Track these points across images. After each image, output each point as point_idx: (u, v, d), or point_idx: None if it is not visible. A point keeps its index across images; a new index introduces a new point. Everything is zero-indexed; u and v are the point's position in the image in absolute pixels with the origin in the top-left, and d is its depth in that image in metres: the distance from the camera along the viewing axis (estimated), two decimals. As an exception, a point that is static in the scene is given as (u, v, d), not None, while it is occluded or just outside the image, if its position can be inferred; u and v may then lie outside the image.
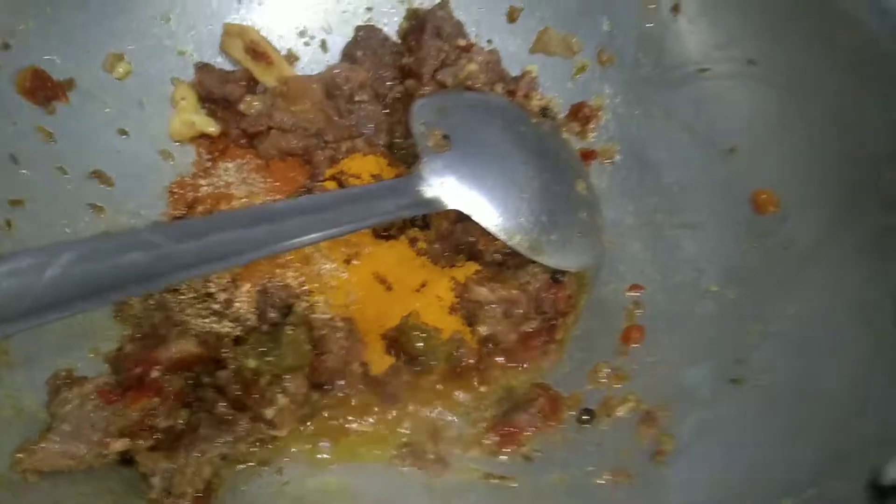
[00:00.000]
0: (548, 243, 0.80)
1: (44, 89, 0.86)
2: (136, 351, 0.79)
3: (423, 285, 0.87)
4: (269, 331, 0.81)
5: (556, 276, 0.88)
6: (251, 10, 0.98)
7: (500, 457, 0.81)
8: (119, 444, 0.73)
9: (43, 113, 0.85)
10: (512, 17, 0.99)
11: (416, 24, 0.98)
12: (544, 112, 0.95)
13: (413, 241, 0.89)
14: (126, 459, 0.75)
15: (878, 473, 0.58)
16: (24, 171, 0.82)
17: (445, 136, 0.79)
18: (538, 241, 0.79)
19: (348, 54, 0.98)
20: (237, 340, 0.81)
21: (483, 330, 0.86)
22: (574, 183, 0.87)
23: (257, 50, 0.95)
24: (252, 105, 0.93)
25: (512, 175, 0.80)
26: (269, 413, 0.76)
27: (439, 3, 0.97)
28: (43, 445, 0.72)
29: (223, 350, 0.79)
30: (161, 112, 0.93)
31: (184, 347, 0.78)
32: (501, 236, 0.78)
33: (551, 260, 0.82)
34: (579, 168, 0.92)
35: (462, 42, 0.97)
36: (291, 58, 0.99)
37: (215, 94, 0.94)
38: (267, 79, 0.95)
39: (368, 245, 0.88)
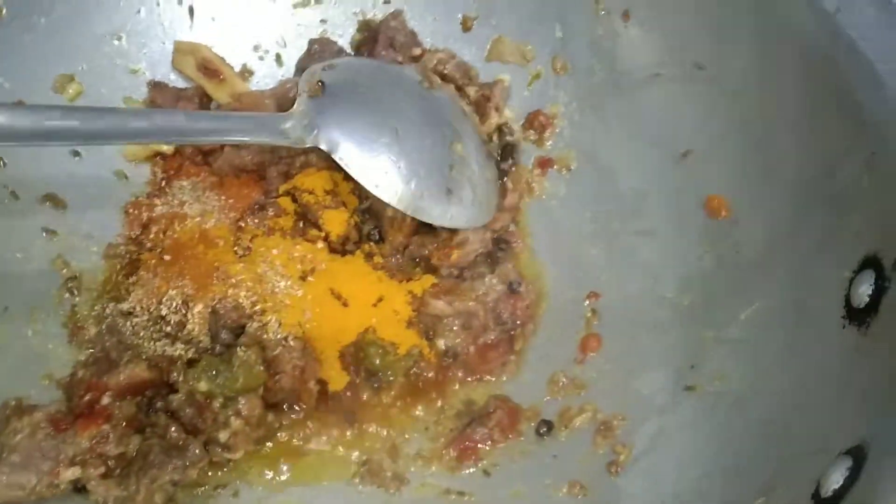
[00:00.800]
0: (406, 192, 0.83)
1: (-8, 113, 0.84)
2: (88, 377, 0.78)
3: (379, 300, 0.86)
4: (221, 352, 0.80)
5: (513, 286, 0.88)
6: (204, 26, 0.96)
7: (460, 472, 0.80)
8: (70, 473, 0.72)
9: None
10: (466, 25, 0.99)
11: (370, 35, 0.98)
12: (500, 130, 0.95)
13: (369, 256, 0.88)
14: (78, 488, 0.73)
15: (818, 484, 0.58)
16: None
17: (321, 83, 0.84)
18: (396, 187, 0.83)
19: (302, 68, 0.97)
20: (190, 363, 0.79)
21: (441, 343, 0.85)
22: (451, 144, 0.88)
23: (209, 67, 0.94)
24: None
25: (377, 122, 0.84)
26: (223, 436, 0.75)
27: (392, 14, 0.97)
28: (-7, 477, 0.71)
29: (175, 373, 0.78)
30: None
31: (134, 372, 0.76)
32: (360, 179, 0.83)
33: (409, 209, 0.84)
34: (467, 133, 0.91)
35: (417, 51, 0.97)
36: (246, 73, 0.98)
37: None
38: (220, 95, 0.94)
39: (323, 261, 0.87)
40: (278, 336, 0.81)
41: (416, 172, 0.84)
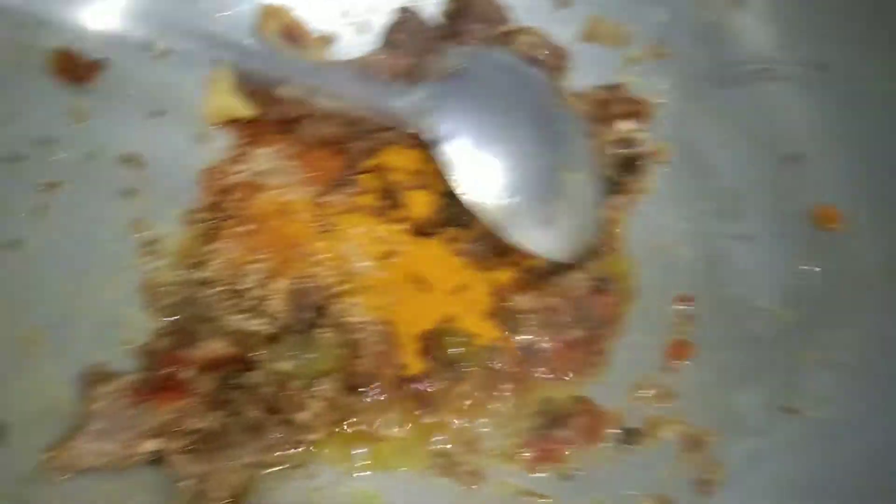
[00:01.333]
0: (500, 209, 0.79)
1: (76, 70, 0.83)
2: (167, 347, 0.77)
3: (460, 288, 0.84)
4: (302, 331, 0.78)
5: (600, 282, 0.85)
6: (293, -11, 0.94)
7: (538, 473, 0.78)
8: (151, 445, 0.72)
9: (75, 94, 0.82)
10: (561, 2, 0.94)
11: (459, 6, 0.94)
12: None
13: (452, 241, 0.86)
14: (154, 460, 0.73)
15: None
16: (57, 156, 0.81)
17: (453, 70, 0.80)
18: (492, 200, 0.79)
19: (389, 38, 0.94)
20: (269, 339, 0.78)
21: (521, 338, 0.83)
22: (563, 171, 0.83)
23: (294, 32, 0.91)
24: (289, 90, 0.90)
25: (494, 128, 0.80)
26: (302, 417, 0.74)
27: (484, -13, 0.92)
28: (76, 443, 0.71)
29: (255, 350, 0.77)
30: (197, 94, 0.89)
31: (213, 348, 0.76)
32: (456, 182, 0.79)
33: (499, 228, 0.80)
34: (582, 160, 0.86)
35: (505, 27, 0.93)
36: (332, 39, 0.95)
37: (251, 77, 0.90)
38: (302, 63, 0.92)
39: (406, 243, 0.85)
40: (360, 319, 0.79)
41: (517, 191, 0.79)
